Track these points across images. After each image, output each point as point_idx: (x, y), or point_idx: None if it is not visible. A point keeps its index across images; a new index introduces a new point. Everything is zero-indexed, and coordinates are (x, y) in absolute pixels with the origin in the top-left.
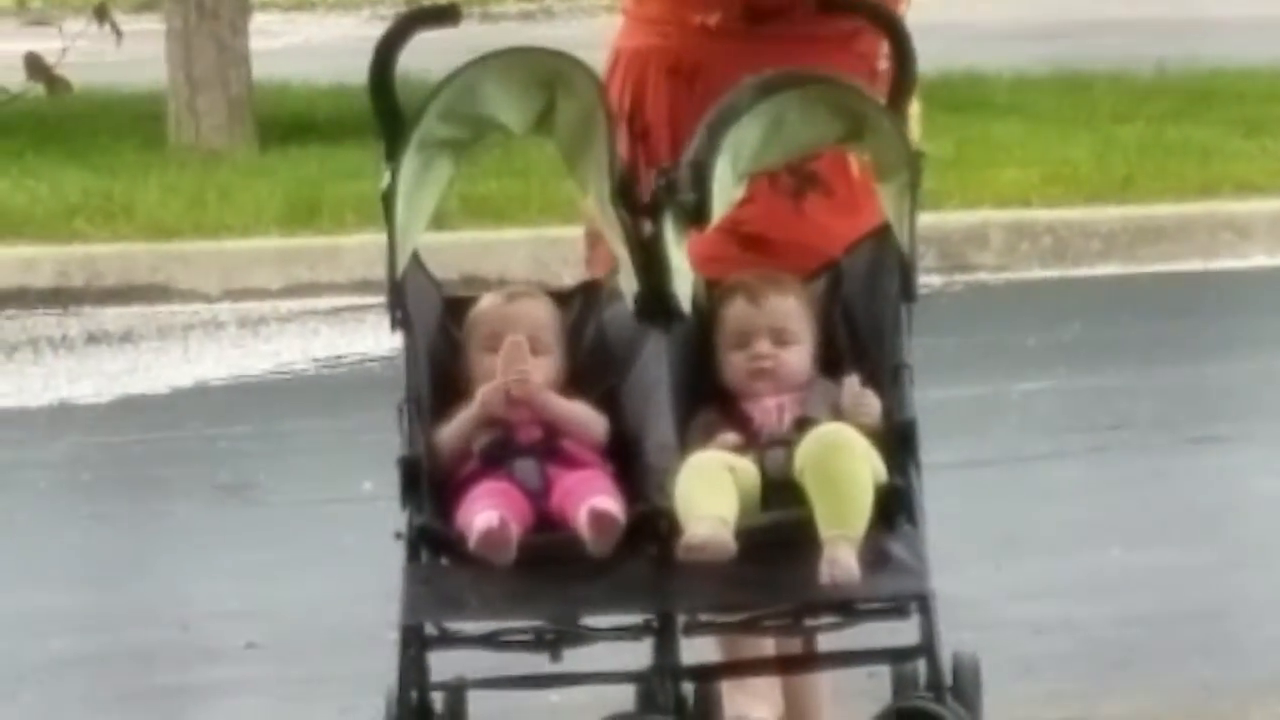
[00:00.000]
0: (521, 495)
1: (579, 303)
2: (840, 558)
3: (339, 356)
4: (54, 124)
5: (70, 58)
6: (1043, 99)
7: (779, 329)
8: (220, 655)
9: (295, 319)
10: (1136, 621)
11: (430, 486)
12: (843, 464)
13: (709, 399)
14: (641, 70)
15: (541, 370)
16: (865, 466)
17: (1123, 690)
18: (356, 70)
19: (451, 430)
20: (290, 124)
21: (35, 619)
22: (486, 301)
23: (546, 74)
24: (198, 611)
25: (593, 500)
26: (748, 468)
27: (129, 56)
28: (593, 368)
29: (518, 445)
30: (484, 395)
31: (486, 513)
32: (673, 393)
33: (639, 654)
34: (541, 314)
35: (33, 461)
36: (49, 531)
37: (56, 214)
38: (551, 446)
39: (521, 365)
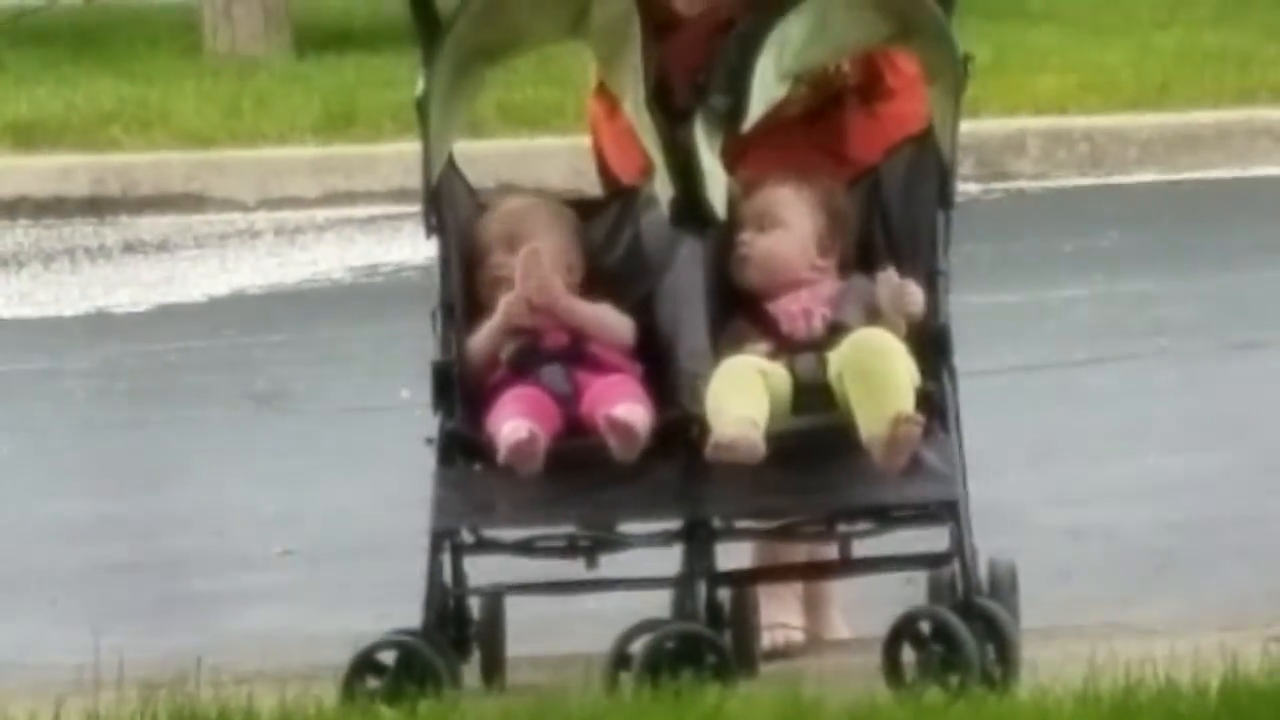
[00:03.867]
0: (551, 401)
1: (615, 209)
2: (900, 422)
3: (375, 265)
4: (90, 32)
5: None
6: (1080, 6)
7: (760, 214)
8: (255, 562)
9: (332, 227)
10: (1174, 527)
11: (462, 392)
12: (884, 365)
13: (739, 302)
14: None
15: (558, 270)
16: (904, 368)
17: (1160, 595)
18: None
19: (479, 339)
20: (327, 31)
21: (71, 526)
22: (500, 205)
23: None
24: (233, 519)
25: (612, 407)
26: (779, 372)
27: None
28: (630, 273)
29: (544, 351)
30: (507, 305)
31: (514, 421)
32: (707, 297)
33: (676, 559)
34: (553, 218)
35: (70, 370)
36: (85, 440)
37: (92, 122)
38: (578, 351)
39: (540, 272)
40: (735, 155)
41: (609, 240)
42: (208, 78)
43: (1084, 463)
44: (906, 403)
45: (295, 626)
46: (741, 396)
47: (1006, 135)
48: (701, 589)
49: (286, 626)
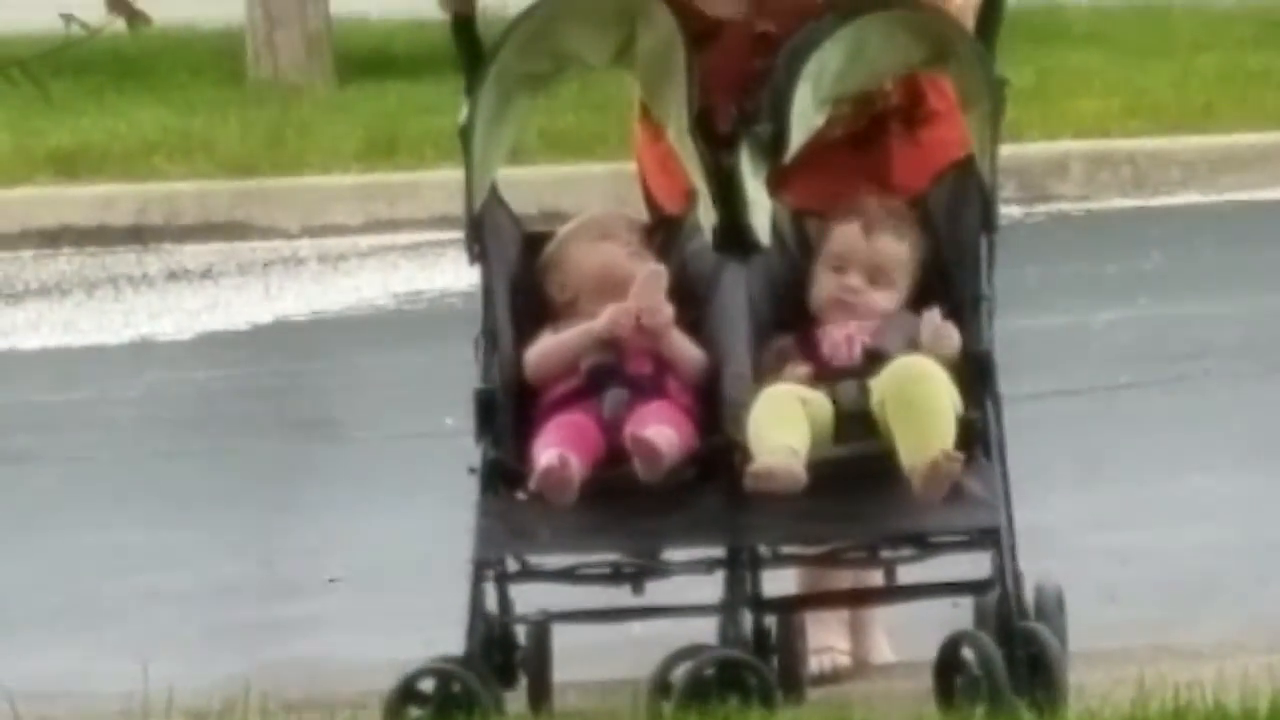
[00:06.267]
0: (596, 428)
1: (661, 236)
2: (941, 461)
3: (419, 292)
4: (133, 61)
5: None
6: (1122, 28)
7: (878, 267)
8: (302, 590)
9: (375, 254)
10: (1220, 550)
11: (515, 408)
12: (926, 394)
13: (791, 325)
14: None
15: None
16: (946, 397)
17: (1207, 618)
18: (433, 6)
19: (561, 342)
20: (369, 59)
21: (118, 555)
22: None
23: (626, 6)
24: (279, 547)
25: (639, 428)
26: (820, 400)
27: None
28: (677, 301)
29: (625, 374)
30: (614, 314)
31: (549, 451)
32: (753, 323)
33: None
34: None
35: (114, 399)
36: (131, 468)
37: (136, 151)
38: (657, 383)
39: (658, 296)
40: (779, 179)
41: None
42: (250, 106)
43: (1129, 485)
44: (947, 434)
45: (343, 654)
46: (782, 425)
47: (1049, 158)
48: (745, 616)
49: (334, 655)
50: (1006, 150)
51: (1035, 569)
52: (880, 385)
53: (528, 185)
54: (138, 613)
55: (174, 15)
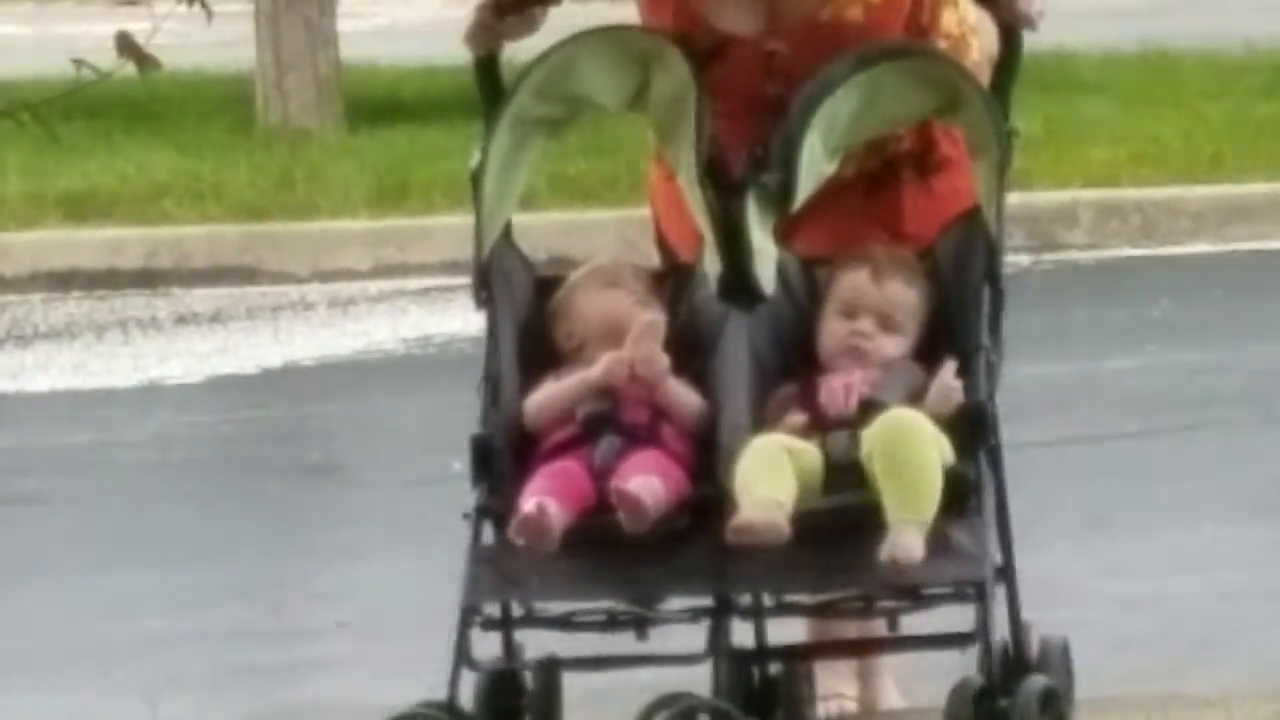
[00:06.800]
0: (586, 476)
1: (671, 285)
2: (905, 541)
3: (428, 336)
4: (143, 105)
5: (159, 39)
6: (1131, 77)
7: (888, 316)
8: (311, 634)
9: (384, 299)
10: (1227, 597)
11: (514, 456)
12: (912, 449)
13: (798, 374)
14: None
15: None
16: (934, 451)
17: (1214, 666)
18: (443, 51)
19: (559, 390)
20: (378, 105)
21: (128, 598)
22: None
23: (641, 52)
24: (288, 591)
25: (624, 480)
26: (810, 451)
27: (216, 39)
28: (684, 349)
29: (620, 422)
30: (609, 363)
31: (531, 499)
32: (757, 372)
33: (741, 633)
34: (652, 290)
35: (123, 442)
36: (140, 511)
37: (145, 195)
38: (652, 431)
39: (653, 345)
40: (791, 224)
41: (669, 315)
42: (260, 150)
43: (1137, 533)
44: (930, 493)
45: (350, 698)
46: (767, 477)
47: (1058, 206)
48: (726, 665)
49: (342, 698)
50: (1015, 198)
51: (1042, 616)
52: (869, 437)
53: (537, 231)
54: (147, 655)
55: (184, 61)
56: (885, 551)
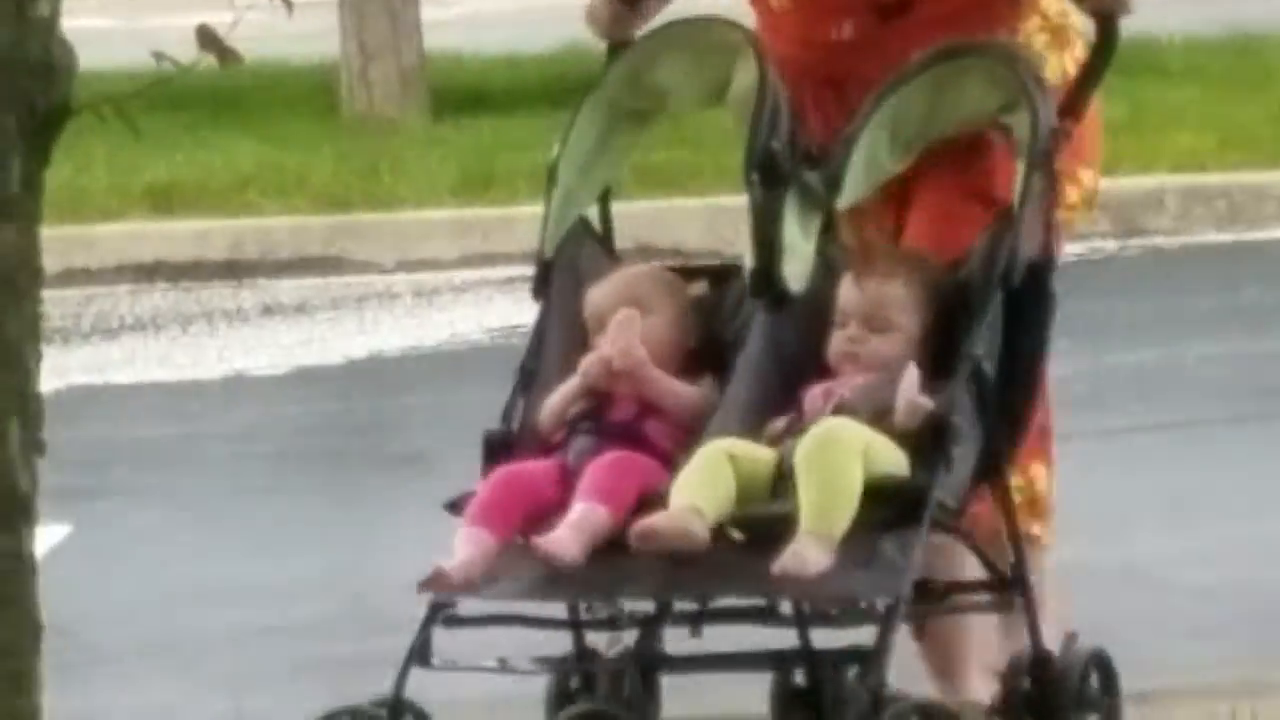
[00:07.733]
0: (554, 478)
1: (721, 281)
2: (799, 551)
3: (513, 326)
4: (227, 97)
5: (241, 31)
6: (1216, 62)
7: (872, 315)
8: (395, 625)
9: (470, 289)
10: None
11: (540, 451)
12: (830, 460)
13: (826, 374)
14: (797, 78)
15: (650, 342)
16: (855, 464)
17: None
18: (527, 41)
19: (554, 399)
20: (463, 94)
21: (213, 590)
22: (612, 273)
23: (727, 44)
24: (373, 582)
25: (582, 500)
26: (762, 457)
27: (299, 30)
28: (728, 347)
29: (606, 421)
30: (586, 365)
31: (435, 561)
32: (779, 372)
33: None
34: (664, 288)
35: (208, 434)
36: (225, 503)
37: (230, 186)
38: (634, 429)
39: (629, 337)
40: (897, 200)
41: (713, 311)
42: (344, 140)
43: (1220, 521)
44: (842, 506)
45: (435, 691)
46: (696, 483)
47: (1144, 192)
48: (637, 671)
49: (426, 691)
50: (1102, 184)
51: (1124, 604)
52: (799, 446)
53: (622, 220)
54: (231, 648)
55: (267, 52)
56: (778, 563)
